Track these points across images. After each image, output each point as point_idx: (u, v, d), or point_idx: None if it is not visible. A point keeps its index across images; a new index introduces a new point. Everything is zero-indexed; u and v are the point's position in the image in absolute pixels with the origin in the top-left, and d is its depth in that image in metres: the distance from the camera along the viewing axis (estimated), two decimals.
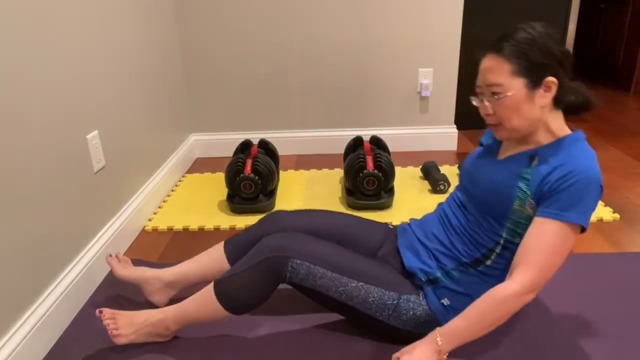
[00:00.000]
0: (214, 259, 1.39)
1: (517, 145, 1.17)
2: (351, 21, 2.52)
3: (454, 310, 1.17)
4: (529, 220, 1.10)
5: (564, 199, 1.04)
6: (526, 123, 1.09)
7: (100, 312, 1.22)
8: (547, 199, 1.06)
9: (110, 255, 1.45)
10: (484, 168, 1.21)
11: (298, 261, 1.18)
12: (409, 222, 1.39)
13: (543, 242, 1.05)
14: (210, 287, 1.21)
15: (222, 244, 1.41)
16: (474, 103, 1.15)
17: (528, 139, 1.14)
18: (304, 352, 1.25)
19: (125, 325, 1.23)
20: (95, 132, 1.61)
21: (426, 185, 2.26)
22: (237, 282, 1.19)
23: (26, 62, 1.27)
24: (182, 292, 1.42)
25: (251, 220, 1.97)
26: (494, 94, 1.08)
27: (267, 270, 1.18)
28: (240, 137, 2.72)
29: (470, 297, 1.16)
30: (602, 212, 1.94)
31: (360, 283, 1.18)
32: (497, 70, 1.07)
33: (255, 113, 2.70)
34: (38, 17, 1.33)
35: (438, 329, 1.08)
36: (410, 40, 2.55)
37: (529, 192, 1.09)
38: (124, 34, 1.87)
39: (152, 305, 1.41)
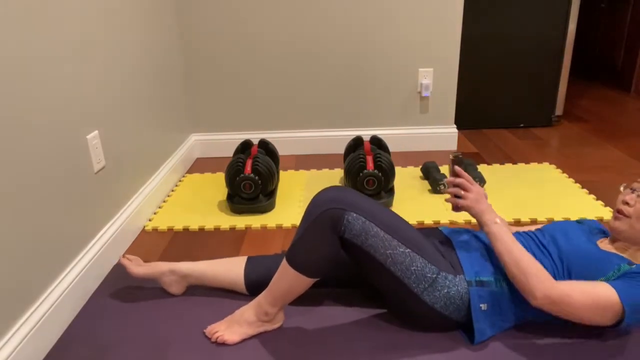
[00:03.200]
0: (230, 269, 1.44)
1: (614, 245, 1.27)
2: (351, 21, 2.52)
3: (487, 317, 1.22)
4: None
5: (633, 287, 1.11)
6: None
7: (204, 333, 1.30)
8: (621, 279, 1.14)
9: (124, 256, 1.48)
10: (589, 239, 1.28)
11: (354, 214, 1.18)
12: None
13: (594, 292, 1.11)
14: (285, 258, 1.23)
15: (245, 258, 1.45)
16: (621, 189, 1.29)
17: (627, 249, 1.24)
18: (304, 352, 1.25)
19: (227, 329, 1.29)
20: (96, 132, 1.62)
21: (426, 185, 2.27)
22: (301, 242, 1.20)
23: (26, 62, 1.27)
24: (198, 284, 1.47)
25: (251, 220, 1.98)
26: None
27: (325, 223, 1.18)
28: (240, 137, 2.72)
29: (502, 314, 1.23)
30: (602, 211, 1.94)
31: (408, 250, 1.20)
32: None
33: (255, 113, 2.70)
34: (38, 17, 1.33)
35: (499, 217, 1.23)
36: (410, 40, 2.55)
37: (613, 278, 1.16)
38: (124, 33, 1.87)
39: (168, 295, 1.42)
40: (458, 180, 1.30)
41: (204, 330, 1.31)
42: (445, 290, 1.20)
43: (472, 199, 1.27)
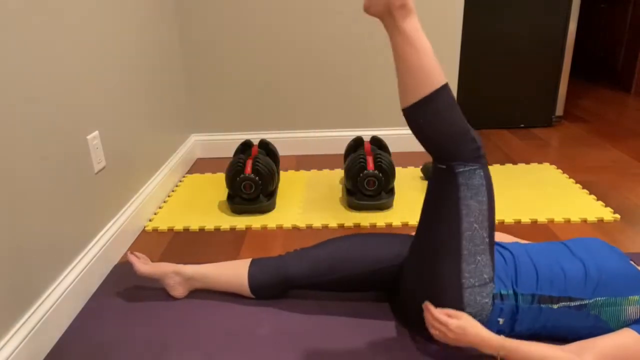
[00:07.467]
0: (234, 271, 1.44)
1: None
2: (351, 21, 2.52)
3: (499, 330, 1.17)
4: (619, 314, 1.13)
5: None
6: None
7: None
8: None
9: (132, 253, 1.49)
10: (621, 256, 1.22)
11: (483, 173, 1.18)
12: None
13: (621, 346, 1.07)
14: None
15: (249, 261, 1.44)
16: None
17: None
18: (304, 351, 1.25)
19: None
20: (96, 133, 1.62)
21: (426, 185, 2.26)
22: None
23: (26, 62, 1.27)
24: (202, 288, 1.48)
25: (252, 220, 1.98)
26: None
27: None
28: (240, 137, 2.72)
29: (514, 329, 1.18)
30: (603, 212, 1.94)
31: (487, 240, 1.16)
32: None
33: (255, 113, 2.70)
34: (38, 17, 1.33)
35: (506, 339, 1.08)
36: None
37: None
38: (125, 34, 1.87)
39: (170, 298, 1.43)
40: (428, 322, 1.15)
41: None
42: (486, 300, 1.14)
43: (453, 339, 1.11)
